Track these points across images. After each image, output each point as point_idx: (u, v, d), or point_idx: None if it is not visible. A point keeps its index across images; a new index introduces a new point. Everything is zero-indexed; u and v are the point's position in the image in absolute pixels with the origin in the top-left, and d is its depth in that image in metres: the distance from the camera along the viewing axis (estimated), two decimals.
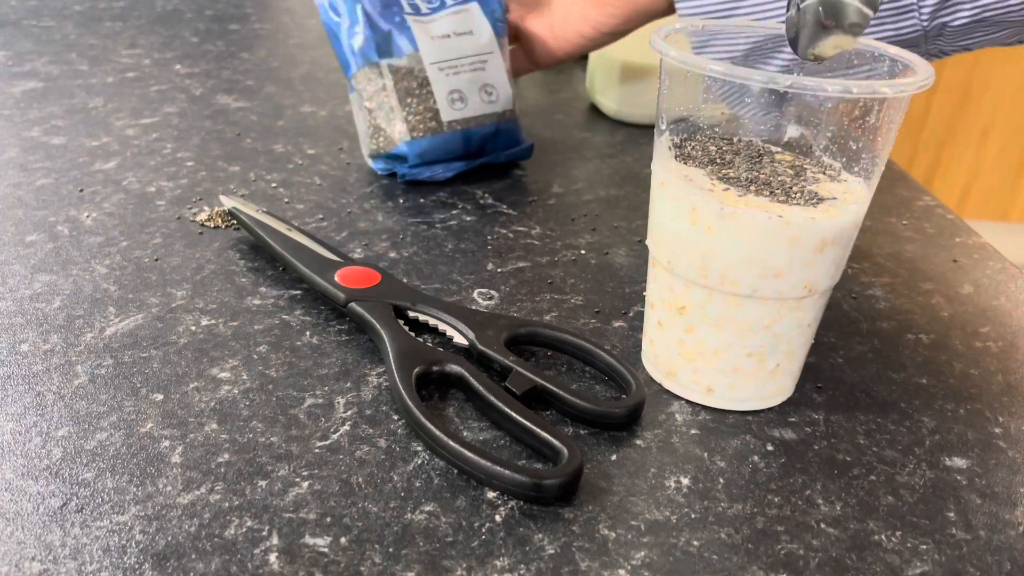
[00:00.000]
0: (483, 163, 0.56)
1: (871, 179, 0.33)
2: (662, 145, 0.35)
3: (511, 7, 0.60)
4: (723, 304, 0.33)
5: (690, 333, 0.35)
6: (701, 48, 0.40)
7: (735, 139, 0.36)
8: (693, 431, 0.34)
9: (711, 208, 0.32)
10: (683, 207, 0.33)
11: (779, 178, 0.33)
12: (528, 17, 0.59)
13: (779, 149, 0.35)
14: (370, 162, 0.56)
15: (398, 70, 0.53)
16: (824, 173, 0.34)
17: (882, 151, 0.33)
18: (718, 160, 0.34)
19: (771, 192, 0.32)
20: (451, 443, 0.31)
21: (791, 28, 0.32)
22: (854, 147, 0.33)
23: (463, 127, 0.54)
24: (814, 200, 0.32)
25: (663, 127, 0.35)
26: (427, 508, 0.30)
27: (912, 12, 0.40)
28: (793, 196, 0.32)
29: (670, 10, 0.51)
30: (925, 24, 0.40)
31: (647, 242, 0.36)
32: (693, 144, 0.35)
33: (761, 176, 0.33)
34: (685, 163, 0.34)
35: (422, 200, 0.53)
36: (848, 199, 0.33)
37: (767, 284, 0.32)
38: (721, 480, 0.32)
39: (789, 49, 0.34)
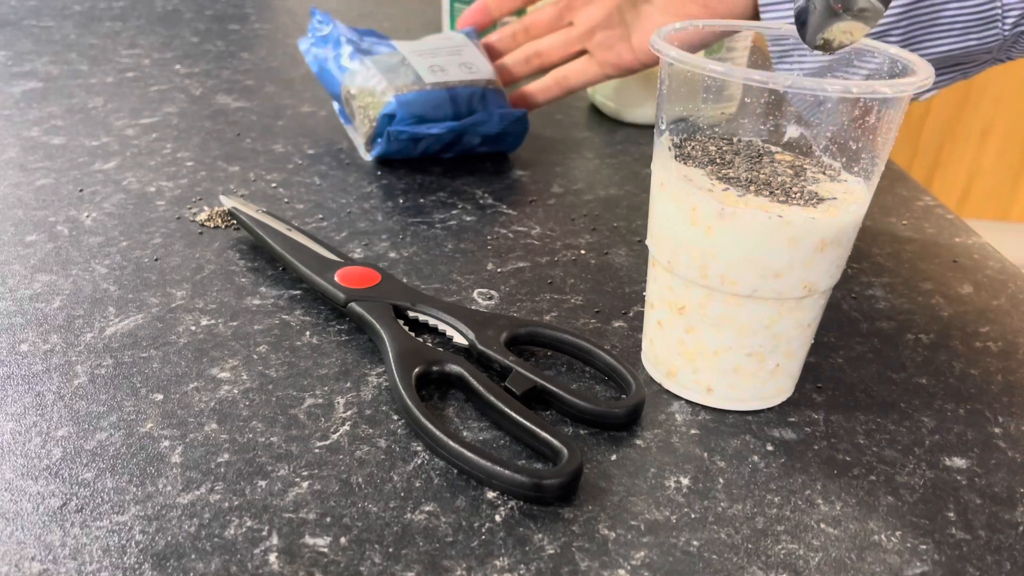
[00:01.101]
0: (477, 123, 0.56)
1: (871, 179, 0.33)
2: (662, 145, 0.35)
3: (581, 28, 0.59)
4: (723, 304, 0.33)
5: (690, 333, 0.35)
6: (780, 60, 0.41)
7: (735, 139, 0.36)
8: (693, 431, 0.34)
9: (711, 208, 0.32)
10: (683, 207, 0.33)
11: (779, 178, 0.33)
12: (602, 33, 0.58)
13: (779, 149, 0.35)
14: (367, 155, 0.57)
15: (379, 60, 0.57)
16: (824, 173, 0.34)
17: (882, 151, 0.33)
18: (718, 160, 0.34)
19: (771, 192, 0.32)
20: (451, 443, 0.31)
21: (800, 15, 0.32)
22: (854, 147, 0.33)
23: (447, 88, 0.56)
24: (814, 200, 0.32)
25: (663, 127, 0.35)
26: (427, 508, 0.30)
27: (996, 23, 0.42)
28: (793, 196, 0.32)
29: (755, 16, 0.51)
30: (1006, 33, 0.43)
31: (647, 242, 0.36)
32: (693, 144, 0.35)
33: (761, 176, 0.33)
34: (685, 163, 0.34)
35: (422, 200, 0.53)
36: (848, 199, 0.33)
37: (767, 284, 0.32)
38: (721, 480, 0.32)
39: (867, 61, 0.34)
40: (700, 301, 0.34)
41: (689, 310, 0.34)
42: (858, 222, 0.33)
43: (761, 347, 0.34)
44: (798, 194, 0.32)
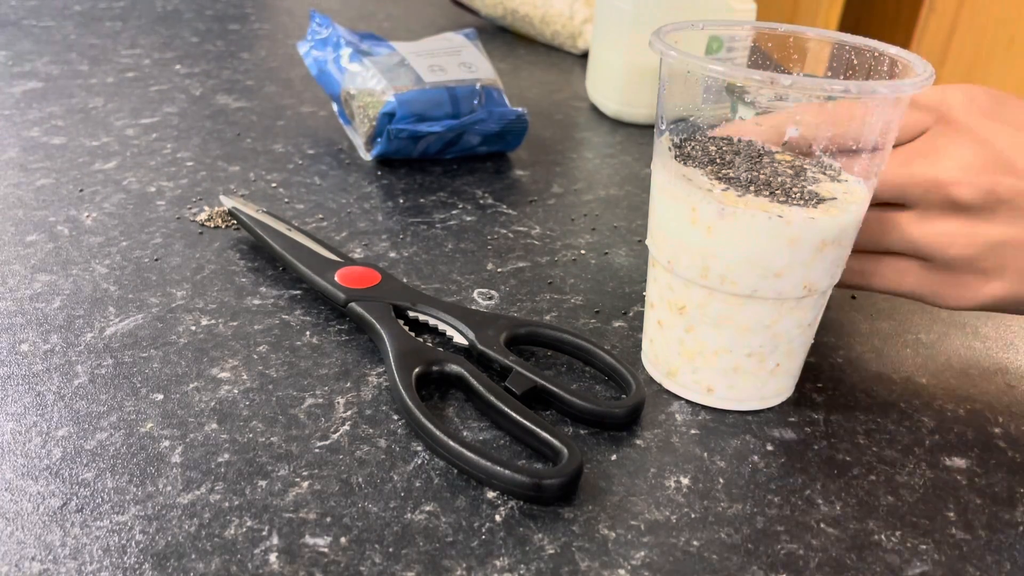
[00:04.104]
0: (476, 122, 0.56)
1: (871, 179, 0.33)
2: (662, 145, 0.35)
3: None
4: (723, 304, 0.33)
5: (690, 333, 0.35)
6: None
7: (735, 139, 0.36)
8: (693, 431, 0.34)
9: (711, 208, 0.32)
10: (683, 207, 0.33)
11: (779, 178, 0.33)
12: (903, 265, 0.37)
13: (779, 149, 0.35)
14: (367, 156, 0.57)
15: (379, 61, 0.58)
16: (824, 173, 0.34)
17: (882, 151, 0.33)
18: (718, 160, 0.34)
19: (771, 192, 0.32)
20: (451, 443, 0.31)
21: None
22: (854, 147, 0.33)
23: (447, 86, 0.56)
24: (814, 200, 0.32)
25: (663, 127, 0.35)
26: (427, 508, 0.30)
27: None
28: (793, 196, 0.32)
29: None
30: None
31: (647, 242, 0.36)
32: (693, 144, 0.35)
33: (761, 176, 0.33)
34: (685, 163, 0.34)
35: (422, 200, 0.53)
36: (848, 199, 0.33)
37: (767, 284, 0.32)
38: (721, 480, 0.32)
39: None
40: (700, 301, 0.34)
41: (689, 310, 0.34)
42: (858, 222, 0.33)
43: (761, 347, 0.34)
44: (798, 194, 0.32)
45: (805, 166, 0.34)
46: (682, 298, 0.35)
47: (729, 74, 0.30)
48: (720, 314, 0.34)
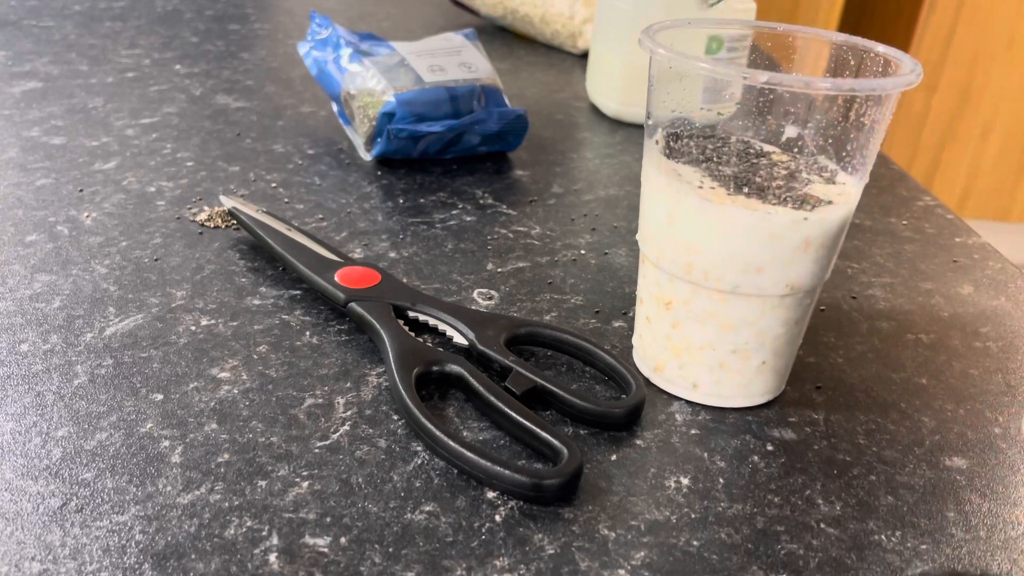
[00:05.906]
0: (476, 122, 0.56)
1: (858, 178, 0.33)
2: (651, 142, 0.35)
3: None
4: (707, 300, 0.34)
5: (676, 328, 0.35)
6: None
7: (727, 137, 0.36)
8: (693, 431, 0.34)
9: (694, 204, 0.32)
10: (669, 203, 0.33)
11: (770, 179, 0.33)
12: None
13: (772, 148, 0.35)
14: (367, 156, 0.57)
15: (379, 61, 0.58)
16: (815, 173, 0.34)
17: (870, 149, 0.33)
18: (711, 158, 0.34)
19: (760, 191, 0.32)
20: (451, 443, 0.31)
21: None
22: (841, 145, 0.33)
23: (446, 86, 0.56)
24: (801, 199, 0.32)
25: (651, 123, 0.35)
26: (427, 508, 0.30)
27: None
28: (781, 195, 0.32)
29: None
30: None
31: (637, 237, 0.37)
32: (683, 142, 0.35)
33: (751, 175, 0.33)
34: (675, 159, 0.34)
35: (422, 200, 0.53)
36: (839, 200, 0.33)
37: (749, 280, 0.33)
38: (721, 480, 0.32)
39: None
40: (685, 297, 0.34)
41: (675, 305, 0.35)
42: (845, 222, 0.33)
43: (746, 344, 0.34)
44: (785, 193, 0.32)
45: (796, 166, 0.34)
46: (668, 293, 0.35)
47: (712, 71, 0.30)
48: (704, 310, 0.34)
